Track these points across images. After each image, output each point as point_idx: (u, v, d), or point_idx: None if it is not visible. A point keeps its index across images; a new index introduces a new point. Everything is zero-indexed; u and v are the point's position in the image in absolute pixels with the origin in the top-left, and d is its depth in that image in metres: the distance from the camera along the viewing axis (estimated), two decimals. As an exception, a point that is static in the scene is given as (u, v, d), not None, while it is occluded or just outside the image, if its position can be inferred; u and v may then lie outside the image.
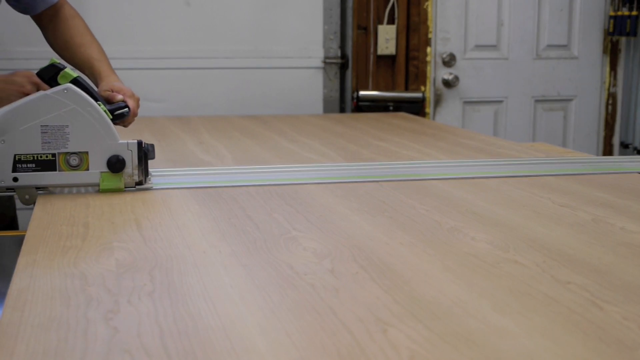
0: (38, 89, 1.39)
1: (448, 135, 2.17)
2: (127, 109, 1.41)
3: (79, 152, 1.28)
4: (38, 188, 1.29)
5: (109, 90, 1.45)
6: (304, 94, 3.15)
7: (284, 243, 0.99)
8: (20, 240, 1.01)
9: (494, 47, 3.30)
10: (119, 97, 1.43)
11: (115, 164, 1.28)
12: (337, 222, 1.12)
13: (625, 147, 3.47)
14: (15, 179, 1.26)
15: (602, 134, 3.48)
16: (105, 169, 1.29)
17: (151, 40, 2.99)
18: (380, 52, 3.13)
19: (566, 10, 3.35)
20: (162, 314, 0.73)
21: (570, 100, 3.43)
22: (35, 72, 1.37)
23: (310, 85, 3.15)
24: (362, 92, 3.11)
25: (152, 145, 1.35)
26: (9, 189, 1.27)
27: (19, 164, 1.26)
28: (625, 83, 3.44)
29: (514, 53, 3.32)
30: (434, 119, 3.25)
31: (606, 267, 0.89)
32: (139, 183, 1.32)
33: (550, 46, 3.36)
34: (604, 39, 3.40)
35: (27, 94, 1.36)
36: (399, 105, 3.12)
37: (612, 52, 3.42)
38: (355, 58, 3.13)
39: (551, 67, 3.37)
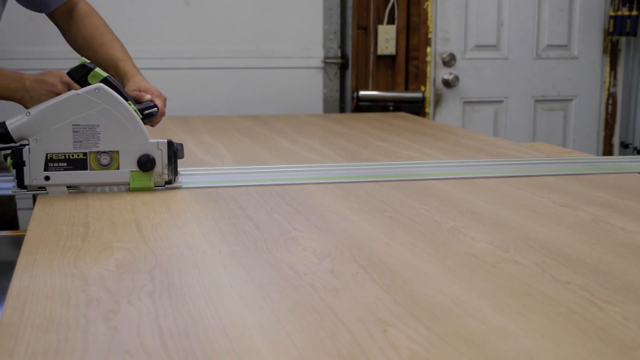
0: (69, 89, 1.40)
1: (448, 135, 2.17)
2: (155, 108, 1.43)
3: (110, 151, 1.29)
4: (69, 187, 1.30)
5: (136, 90, 1.46)
6: (304, 94, 3.15)
7: (284, 243, 0.99)
8: (20, 240, 1.01)
9: (494, 47, 3.30)
10: (147, 96, 1.45)
11: (146, 163, 1.29)
12: (337, 222, 1.12)
13: (625, 147, 3.47)
14: (47, 178, 1.28)
15: (602, 134, 3.48)
16: (136, 168, 1.30)
17: (151, 40, 2.99)
18: (380, 52, 3.13)
19: (566, 10, 3.35)
20: (162, 314, 0.73)
21: (570, 100, 3.43)
22: (65, 71, 1.38)
23: (310, 85, 3.15)
24: (362, 92, 3.11)
25: (181, 145, 1.36)
26: (40, 187, 1.29)
27: (51, 163, 1.27)
28: (625, 83, 3.44)
29: (514, 53, 3.32)
30: (434, 119, 3.25)
31: (606, 267, 0.89)
32: (169, 182, 1.33)
33: (550, 46, 3.36)
34: (604, 39, 3.40)
35: (59, 94, 1.37)
36: (399, 105, 3.12)
37: (612, 52, 3.42)
38: (355, 58, 3.13)
39: (551, 67, 3.37)
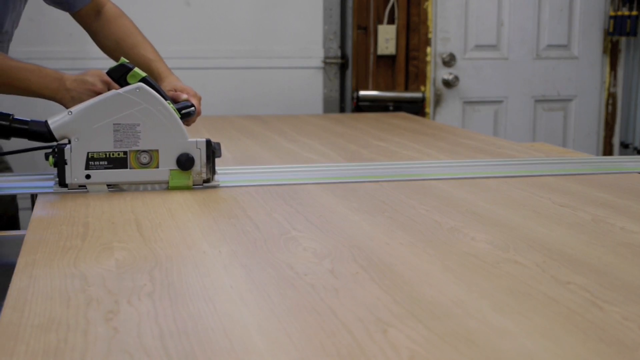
0: (109, 88, 1.41)
1: (448, 135, 2.17)
2: (193, 108, 1.44)
3: (150, 150, 1.30)
4: (109, 185, 1.31)
5: (172, 90, 1.47)
6: (304, 94, 3.15)
7: (284, 243, 0.99)
8: (20, 240, 1.01)
9: (494, 47, 3.30)
10: (184, 96, 1.46)
11: (185, 162, 1.30)
12: (337, 222, 1.12)
13: (625, 147, 3.47)
14: (87, 176, 1.29)
15: (602, 134, 3.48)
16: (175, 167, 1.31)
17: (151, 40, 2.98)
18: (380, 52, 3.13)
19: (566, 10, 3.35)
20: (162, 314, 0.73)
21: (570, 100, 3.43)
22: (105, 71, 1.39)
23: (310, 85, 3.15)
24: (362, 92, 3.11)
25: (219, 144, 1.37)
26: (81, 186, 1.30)
27: (92, 161, 1.28)
28: (625, 83, 3.44)
29: (514, 53, 3.32)
30: (434, 119, 3.25)
31: (606, 267, 0.89)
32: (207, 181, 1.34)
33: (550, 46, 3.36)
34: (604, 39, 3.40)
35: (99, 93, 1.38)
36: (399, 105, 3.12)
37: (612, 52, 3.42)
38: (355, 58, 3.13)
39: (551, 67, 3.37)
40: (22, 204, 1.93)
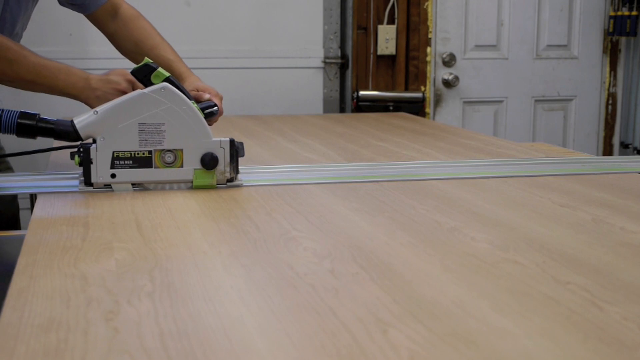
0: (133, 88, 1.42)
1: (448, 135, 2.17)
2: (216, 107, 1.45)
3: (174, 149, 1.31)
4: (134, 184, 1.32)
5: (194, 90, 1.47)
6: (304, 94, 3.15)
7: (284, 243, 0.99)
8: (20, 240, 1.01)
9: (494, 47, 3.30)
10: (207, 96, 1.47)
11: (209, 162, 1.31)
12: (337, 222, 1.12)
13: (625, 147, 3.47)
14: (113, 176, 1.30)
15: (602, 134, 3.48)
16: (199, 166, 1.32)
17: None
18: (380, 52, 3.13)
19: (566, 10, 3.35)
20: (162, 315, 0.73)
21: (570, 100, 3.43)
22: (129, 71, 1.39)
23: (310, 85, 3.15)
24: (362, 92, 3.11)
25: (242, 143, 1.37)
26: (106, 185, 1.30)
27: (117, 160, 1.29)
28: (625, 83, 3.44)
29: (514, 53, 3.32)
30: (434, 119, 3.25)
31: (606, 267, 0.89)
32: (230, 180, 1.34)
33: (550, 46, 3.36)
34: (604, 39, 3.40)
35: (124, 93, 1.39)
36: (399, 105, 3.12)
37: (612, 52, 3.41)
38: (355, 58, 3.13)
39: (551, 67, 3.37)
40: (22, 204, 1.93)
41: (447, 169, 1.56)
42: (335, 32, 3.16)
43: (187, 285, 0.82)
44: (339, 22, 3.16)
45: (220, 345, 0.66)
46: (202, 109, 1.38)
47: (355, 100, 3.10)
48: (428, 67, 3.20)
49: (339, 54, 3.17)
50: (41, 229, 1.07)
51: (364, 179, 1.43)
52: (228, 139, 1.33)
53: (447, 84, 3.24)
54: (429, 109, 3.23)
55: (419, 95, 3.16)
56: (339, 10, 3.15)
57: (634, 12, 3.23)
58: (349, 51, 3.15)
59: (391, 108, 3.11)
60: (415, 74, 3.19)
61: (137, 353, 0.64)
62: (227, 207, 1.20)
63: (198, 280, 0.84)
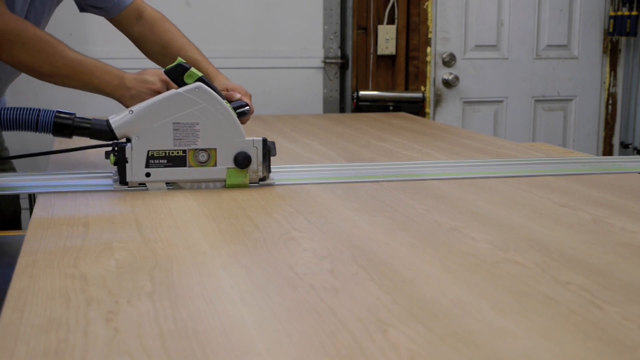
0: (167, 88, 1.42)
1: (448, 135, 2.17)
2: (247, 107, 1.46)
3: (208, 148, 1.31)
4: (167, 183, 1.32)
5: (224, 90, 1.48)
6: (304, 94, 3.15)
7: (284, 243, 0.99)
8: (20, 240, 1.01)
9: (494, 47, 3.30)
10: (237, 95, 1.49)
11: (243, 161, 1.32)
12: (337, 222, 1.12)
13: (625, 147, 3.47)
14: (147, 175, 1.30)
15: (602, 134, 3.48)
16: (232, 165, 1.32)
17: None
18: (380, 52, 3.13)
19: (566, 10, 3.35)
20: (162, 315, 0.73)
21: (570, 100, 3.43)
22: (162, 70, 1.40)
23: (310, 85, 3.15)
24: (362, 92, 3.11)
25: (274, 143, 1.38)
26: (141, 183, 1.31)
27: (152, 159, 1.30)
28: (625, 83, 3.44)
29: (514, 53, 3.32)
30: (434, 119, 3.25)
31: (606, 267, 0.89)
32: (262, 179, 1.35)
33: (550, 46, 3.36)
34: (604, 39, 3.40)
35: (158, 92, 1.40)
36: (399, 105, 3.12)
37: (612, 52, 3.42)
38: (355, 58, 3.13)
39: (551, 67, 3.37)
40: (21, 204, 1.93)
41: (447, 169, 1.56)
42: (335, 32, 3.16)
43: (187, 285, 0.82)
44: (339, 22, 3.16)
45: (220, 345, 0.66)
46: (234, 109, 1.38)
47: (355, 100, 3.10)
48: (428, 67, 3.20)
49: (339, 54, 3.17)
50: (41, 229, 1.06)
51: (364, 179, 1.43)
52: (261, 138, 1.34)
53: (447, 84, 3.24)
54: (429, 109, 3.23)
55: (419, 95, 3.16)
56: (339, 10, 3.15)
57: (634, 12, 3.23)
58: (349, 51, 3.15)
59: (391, 108, 3.11)
60: (415, 74, 3.19)
61: (137, 353, 0.64)
62: (227, 207, 1.20)
63: (198, 280, 0.84)
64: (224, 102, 1.33)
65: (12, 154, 1.86)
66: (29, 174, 1.46)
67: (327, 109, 3.17)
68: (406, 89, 3.19)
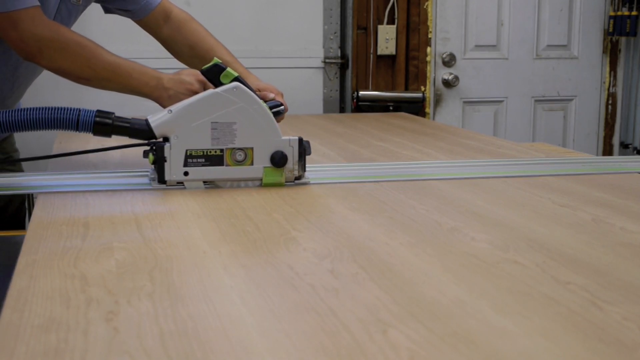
0: (204, 88, 1.43)
1: (448, 135, 2.17)
2: (282, 106, 1.48)
3: (245, 147, 1.33)
4: (205, 182, 1.33)
5: (256, 90, 1.48)
6: (304, 94, 3.15)
7: (284, 243, 0.99)
8: (20, 240, 1.01)
9: (494, 47, 3.30)
10: (271, 95, 1.51)
11: (279, 160, 1.33)
12: (337, 222, 1.12)
13: (625, 147, 3.47)
14: (186, 173, 1.31)
15: (602, 134, 3.48)
16: (268, 164, 1.34)
17: (152, 40, 2.99)
18: (380, 52, 3.13)
19: (566, 10, 3.35)
20: (162, 315, 0.73)
21: (570, 100, 3.43)
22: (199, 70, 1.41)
23: (310, 85, 3.15)
24: (362, 92, 3.11)
25: (308, 142, 1.39)
26: (179, 182, 1.32)
27: (190, 158, 1.31)
28: (625, 83, 3.44)
29: (514, 53, 3.32)
30: (434, 119, 3.25)
31: (606, 267, 0.89)
32: (298, 178, 1.37)
33: (550, 46, 3.36)
34: (604, 39, 3.40)
35: (196, 92, 1.40)
36: (399, 105, 3.12)
37: (612, 52, 3.41)
38: (355, 58, 3.13)
39: (551, 67, 3.37)
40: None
41: (447, 169, 1.56)
42: (335, 32, 3.16)
43: (187, 285, 0.82)
44: (339, 22, 3.16)
45: (220, 345, 0.66)
46: (270, 108, 1.39)
47: (355, 100, 3.10)
48: (428, 67, 3.20)
49: (339, 54, 3.17)
50: (41, 229, 1.06)
51: (364, 179, 1.43)
52: (297, 137, 1.36)
53: (447, 84, 3.24)
54: (429, 109, 3.23)
55: (419, 95, 3.16)
56: (339, 10, 3.15)
57: (634, 12, 3.23)
58: (349, 51, 3.15)
59: (391, 108, 3.11)
60: (415, 74, 3.19)
61: (137, 353, 0.64)
62: (227, 207, 1.20)
63: (198, 280, 0.84)
64: (261, 101, 1.34)
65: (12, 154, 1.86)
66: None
67: (327, 109, 3.17)
68: (406, 89, 3.19)
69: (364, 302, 0.77)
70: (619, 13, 3.27)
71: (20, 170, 1.79)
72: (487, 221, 1.12)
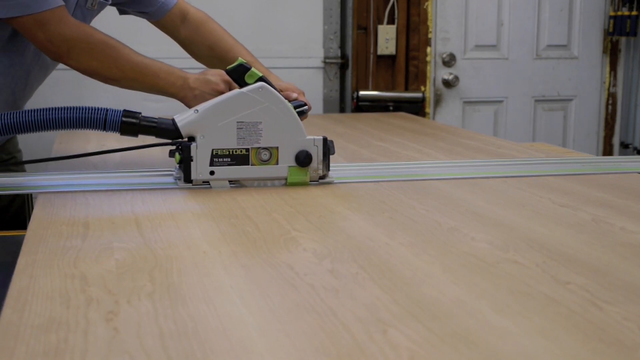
0: (230, 88, 1.43)
1: (448, 135, 2.17)
2: (306, 106, 1.48)
3: (270, 147, 1.33)
4: (231, 181, 1.34)
5: (279, 90, 1.48)
6: (304, 94, 3.15)
7: (284, 243, 0.99)
8: (20, 240, 1.01)
9: (494, 47, 3.30)
10: (294, 95, 1.49)
11: (304, 159, 1.34)
12: (337, 222, 1.12)
13: (625, 147, 3.47)
14: (212, 173, 1.32)
15: (602, 134, 3.48)
16: (293, 164, 1.35)
17: (152, 40, 2.98)
18: (380, 52, 3.13)
19: (566, 10, 3.35)
20: (162, 315, 0.73)
21: (570, 100, 3.43)
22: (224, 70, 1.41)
23: (310, 85, 3.15)
24: (362, 92, 3.11)
25: (332, 142, 1.40)
26: (204, 182, 1.33)
27: (216, 158, 1.32)
28: (625, 83, 3.44)
29: (514, 53, 3.32)
30: (434, 119, 3.25)
31: (606, 267, 0.89)
32: (322, 177, 1.38)
33: (550, 46, 3.36)
34: (604, 39, 3.40)
35: (221, 92, 1.41)
36: (399, 105, 3.12)
37: (612, 52, 3.42)
38: (355, 58, 3.13)
39: (551, 67, 3.37)
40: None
41: (447, 169, 1.56)
42: (335, 32, 3.16)
43: (187, 285, 0.82)
44: (339, 22, 3.16)
45: (220, 346, 0.66)
46: (294, 108, 1.40)
47: (355, 100, 3.11)
48: (428, 67, 3.20)
49: (339, 54, 3.17)
50: (41, 229, 1.06)
51: (365, 179, 1.43)
52: (321, 137, 1.37)
53: (447, 84, 3.24)
54: (429, 109, 3.23)
55: (419, 95, 3.16)
56: (339, 10, 3.15)
57: (634, 12, 3.23)
58: (349, 51, 3.16)
59: (391, 108, 3.11)
60: (415, 74, 3.19)
61: (137, 353, 0.64)
62: (227, 207, 1.20)
63: (198, 280, 0.84)
64: (286, 101, 1.34)
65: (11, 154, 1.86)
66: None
67: (327, 108, 3.18)
68: (406, 89, 3.19)
69: (363, 302, 0.77)
70: (619, 13, 3.27)
71: (23, 170, 1.79)
72: (487, 221, 1.12)
